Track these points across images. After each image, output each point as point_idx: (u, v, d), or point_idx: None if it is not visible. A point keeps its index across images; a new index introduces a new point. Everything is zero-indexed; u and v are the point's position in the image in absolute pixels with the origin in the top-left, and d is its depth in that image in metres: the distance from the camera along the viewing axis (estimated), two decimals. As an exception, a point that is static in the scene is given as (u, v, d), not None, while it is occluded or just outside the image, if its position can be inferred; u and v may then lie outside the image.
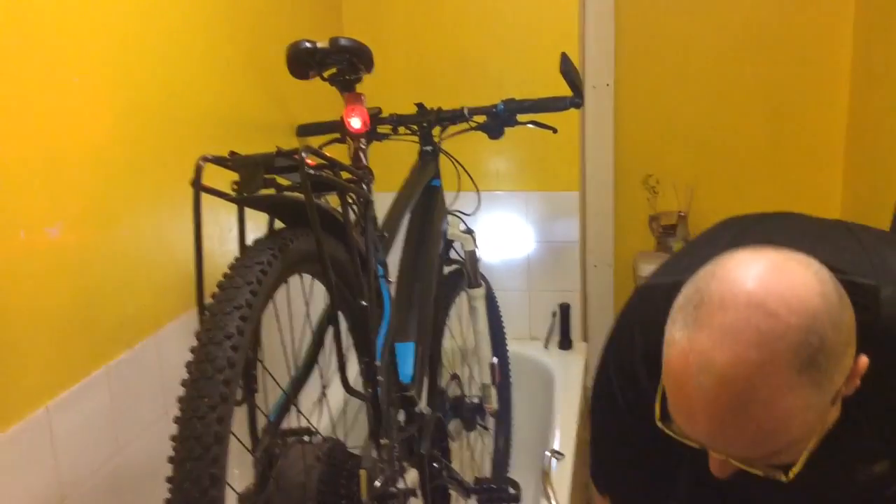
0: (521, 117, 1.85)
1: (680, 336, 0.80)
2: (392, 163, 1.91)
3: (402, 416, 1.42)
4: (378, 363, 1.10)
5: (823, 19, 2.50)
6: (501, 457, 2.21)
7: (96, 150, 1.26)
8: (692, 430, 0.82)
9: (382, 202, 1.61)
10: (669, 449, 0.97)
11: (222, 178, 1.01)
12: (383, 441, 1.11)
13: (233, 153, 0.99)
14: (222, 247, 1.63)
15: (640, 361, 1.01)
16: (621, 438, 1.11)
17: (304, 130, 2.03)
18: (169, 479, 0.78)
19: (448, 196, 1.87)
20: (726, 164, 2.71)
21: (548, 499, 1.66)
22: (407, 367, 1.44)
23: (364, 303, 1.09)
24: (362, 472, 1.04)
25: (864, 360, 0.83)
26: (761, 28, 2.55)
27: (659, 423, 0.88)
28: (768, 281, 0.78)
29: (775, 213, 1.14)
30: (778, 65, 2.57)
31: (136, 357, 1.36)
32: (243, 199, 0.99)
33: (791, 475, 0.82)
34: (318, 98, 2.10)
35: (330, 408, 1.16)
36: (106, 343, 1.29)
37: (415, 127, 1.83)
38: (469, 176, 1.90)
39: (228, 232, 1.65)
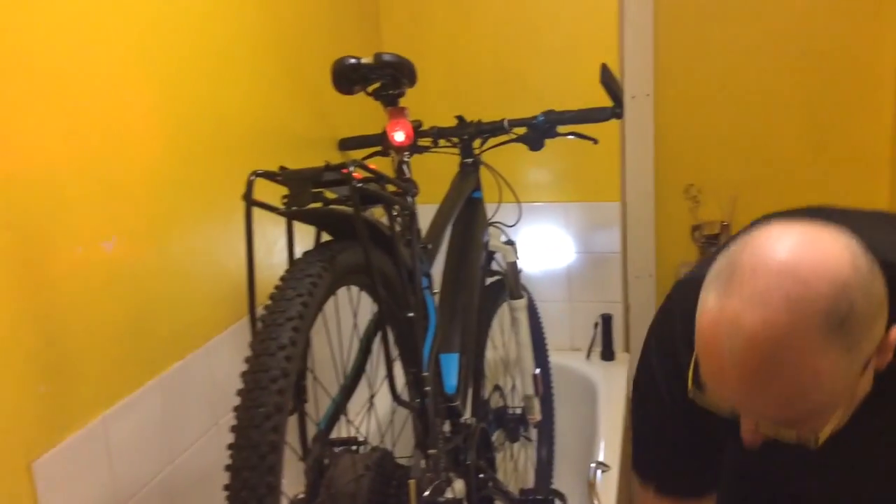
0: (561, 129, 1.86)
1: (712, 303, 0.82)
2: (433, 175, 1.93)
3: (446, 427, 1.43)
4: (425, 374, 1.12)
5: (866, 25, 2.47)
6: (544, 468, 2.21)
7: (149, 166, 1.30)
8: (723, 394, 0.83)
9: (424, 214, 1.62)
10: (711, 434, 0.98)
11: (270, 193, 1.03)
12: (431, 451, 1.12)
13: (282, 168, 1.01)
14: (268, 259, 1.66)
15: (681, 348, 1.02)
16: (663, 425, 1.12)
17: (346, 144, 2.06)
18: (226, 487, 0.80)
19: (489, 208, 1.88)
20: (769, 172, 2.68)
21: (593, 510, 1.65)
22: (451, 378, 1.45)
23: (411, 314, 1.11)
24: (411, 482, 1.05)
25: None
26: (802, 36, 2.53)
27: (691, 393, 0.90)
28: (799, 250, 0.79)
29: (814, 207, 1.14)
30: (820, 72, 2.54)
31: (187, 368, 1.38)
32: (293, 212, 1.01)
33: (819, 442, 0.83)
34: (358, 112, 2.13)
35: (378, 417, 1.17)
36: (159, 354, 1.32)
37: (455, 139, 1.84)
38: (510, 187, 1.91)
39: (274, 245, 1.68)
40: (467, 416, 1.48)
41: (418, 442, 1.13)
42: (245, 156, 1.60)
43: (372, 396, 1.17)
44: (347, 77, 1.36)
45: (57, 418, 1.08)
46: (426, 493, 1.07)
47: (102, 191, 1.19)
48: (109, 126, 1.20)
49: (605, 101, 1.79)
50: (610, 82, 1.77)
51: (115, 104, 1.22)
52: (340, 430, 1.13)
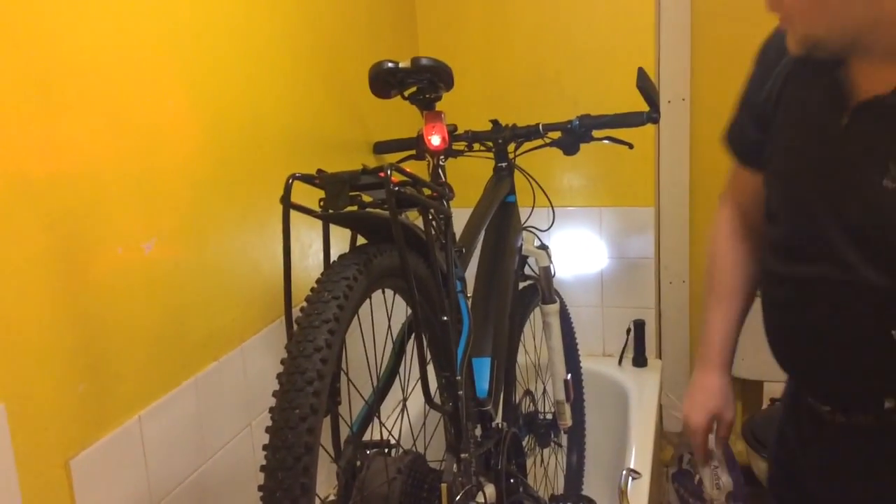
0: (596, 133, 1.85)
1: None
2: (467, 179, 1.93)
3: (478, 431, 1.43)
4: (458, 377, 1.12)
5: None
6: (574, 474, 2.19)
7: (187, 168, 1.31)
8: None
9: (458, 218, 1.62)
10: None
11: (305, 195, 1.04)
12: (463, 455, 1.12)
13: (320, 171, 1.01)
14: (303, 262, 1.67)
15: None
16: (748, 90, 1.30)
17: (381, 148, 2.07)
18: (260, 488, 0.81)
19: (522, 212, 1.88)
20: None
21: (624, 518, 1.64)
22: (483, 382, 1.45)
23: (445, 318, 1.11)
24: (443, 486, 1.05)
25: None
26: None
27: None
28: None
29: None
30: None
31: (222, 368, 1.40)
32: (329, 215, 1.01)
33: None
34: (393, 116, 2.14)
35: (410, 420, 1.17)
36: (195, 355, 1.33)
37: (489, 143, 1.84)
38: (543, 192, 1.90)
39: (309, 247, 1.69)
40: (498, 420, 1.48)
41: (450, 446, 1.13)
42: (281, 158, 1.61)
43: (404, 400, 1.17)
44: (385, 81, 1.36)
45: (94, 417, 1.10)
46: (458, 497, 1.07)
47: (142, 192, 1.20)
48: (149, 128, 1.22)
49: (641, 106, 1.78)
50: (646, 86, 1.76)
51: (154, 107, 1.23)
52: (372, 433, 1.13)
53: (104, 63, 1.12)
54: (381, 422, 1.11)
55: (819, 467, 1.22)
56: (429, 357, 1.20)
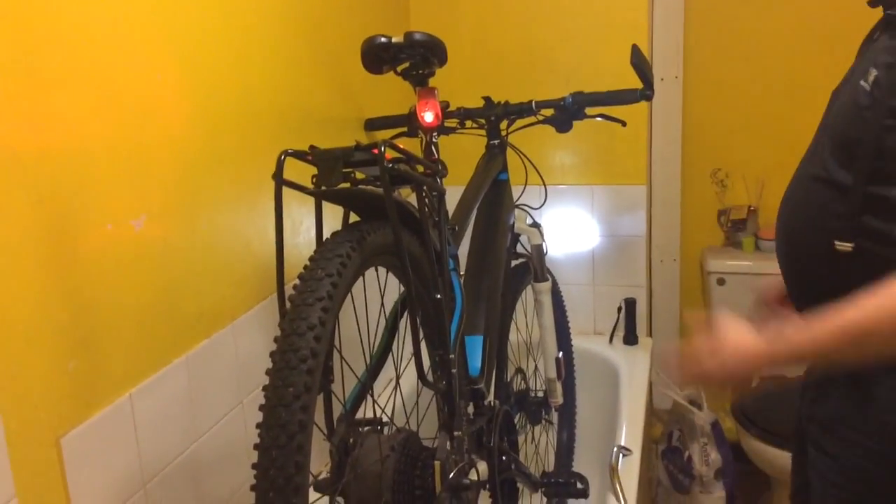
0: (589, 110, 1.83)
1: None
2: (459, 156, 1.91)
3: (470, 409, 1.43)
4: (452, 356, 1.11)
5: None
6: (565, 451, 2.20)
7: (177, 145, 1.30)
8: None
9: (451, 195, 1.61)
10: None
11: (298, 172, 1.02)
12: (456, 433, 1.12)
13: (313, 147, 1.00)
14: (294, 239, 1.66)
15: None
16: None
17: (372, 125, 2.05)
18: (254, 466, 0.80)
19: (515, 190, 1.87)
20: (797, 157, 2.62)
21: (616, 494, 1.65)
22: (475, 361, 1.44)
23: (438, 296, 1.10)
24: (437, 464, 1.05)
25: None
26: (833, 18, 2.48)
27: None
28: None
29: None
30: (851, 55, 2.49)
31: (213, 346, 1.39)
32: (322, 192, 1.00)
33: None
34: (385, 93, 2.12)
35: (403, 398, 1.17)
36: (186, 332, 1.33)
37: (482, 121, 1.83)
38: (536, 170, 1.89)
39: (300, 224, 1.68)
40: (490, 398, 1.48)
41: (443, 424, 1.13)
42: (272, 135, 1.59)
43: (398, 377, 1.17)
44: (377, 56, 1.34)
45: (85, 395, 1.09)
46: (451, 474, 1.07)
47: (132, 169, 1.19)
48: (138, 104, 1.20)
49: (634, 83, 1.77)
50: (640, 64, 1.75)
51: (144, 82, 1.21)
52: (365, 411, 1.13)
53: (92, 38, 1.10)
54: (374, 399, 1.11)
55: (801, 387, 1.27)
56: (422, 335, 1.20)
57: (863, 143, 1.06)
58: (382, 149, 0.95)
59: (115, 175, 1.15)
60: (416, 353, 1.00)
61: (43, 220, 1.01)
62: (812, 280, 1.14)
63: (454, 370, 1.11)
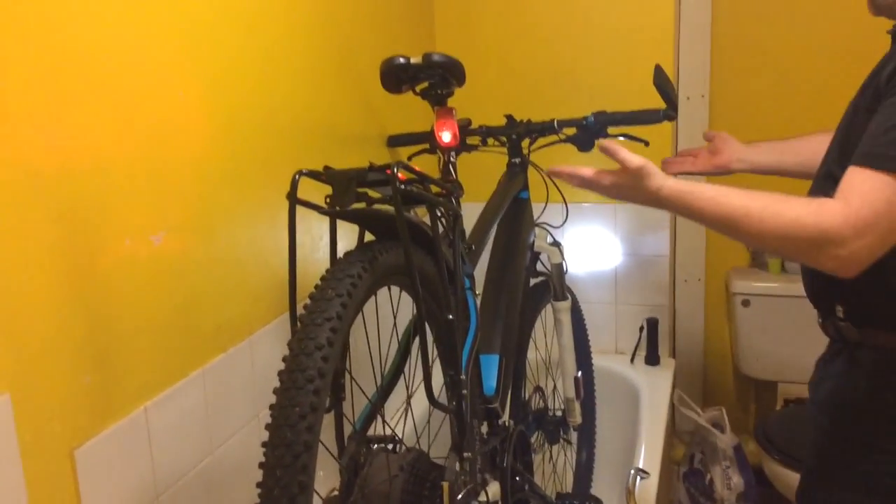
0: (612, 130, 1.83)
1: None
2: (481, 173, 1.92)
3: (484, 429, 1.43)
4: (463, 376, 1.11)
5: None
6: (583, 471, 2.19)
7: (197, 161, 1.31)
8: None
9: (471, 213, 1.62)
10: None
11: (317, 191, 1.04)
12: (466, 454, 1.12)
13: (327, 167, 1.01)
14: (313, 255, 1.67)
15: None
16: None
17: (395, 141, 2.06)
18: (259, 485, 0.81)
19: (536, 207, 1.87)
20: (826, 178, 2.61)
21: (631, 518, 1.64)
22: (491, 380, 1.44)
23: (451, 316, 1.10)
24: (445, 485, 1.04)
25: None
26: (861, 37, 2.45)
27: None
28: None
29: None
30: (884, 76, 2.47)
31: (230, 360, 1.40)
32: (336, 212, 1.01)
33: None
34: (408, 109, 2.13)
35: (414, 418, 1.17)
36: (202, 347, 1.34)
37: (504, 139, 1.83)
38: (557, 188, 1.89)
39: (319, 241, 1.69)
40: (505, 418, 1.47)
41: (453, 444, 1.13)
42: (293, 152, 1.61)
43: (409, 398, 1.17)
44: (396, 76, 1.36)
45: (100, 407, 1.10)
46: (459, 495, 1.07)
47: (152, 185, 1.20)
48: (158, 121, 1.22)
49: (660, 102, 1.76)
50: (663, 84, 1.74)
51: (165, 101, 1.23)
52: (375, 430, 1.13)
53: (114, 55, 1.12)
54: (384, 419, 1.11)
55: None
56: (435, 354, 1.20)
57: (852, 141, 1.14)
58: (395, 170, 0.96)
59: (134, 191, 1.17)
60: (426, 374, 1.00)
61: (62, 236, 1.03)
62: (820, 272, 1.21)
63: (465, 391, 1.11)
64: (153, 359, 1.22)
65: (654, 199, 1.27)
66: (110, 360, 1.12)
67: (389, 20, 2.12)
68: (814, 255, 1.08)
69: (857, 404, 1.24)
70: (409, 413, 1.14)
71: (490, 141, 1.86)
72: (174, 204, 1.26)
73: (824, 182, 1.25)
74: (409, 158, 2.11)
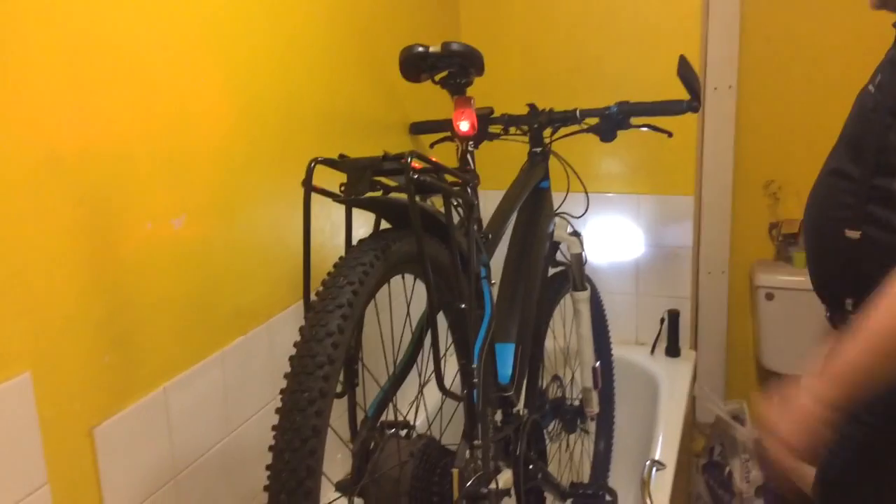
0: (635, 120, 1.82)
1: None
2: (503, 161, 1.92)
3: (499, 417, 1.44)
4: (475, 366, 1.12)
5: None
6: (601, 461, 2.19)
7: (219, 147, 1.33)
8: None
9: (492, 201, 1.62)
10: None
11: (336, 178, 1.05)
12: (476, 442, 1.13)
13: (342, 156, 1.02)
14: (333, 240, 1.68)
15: None
16: None
17: (417, 128, 2.07)
18: (268, 467, 0.82)
19: (557, 197, 1.86)
20: (855, 171, 2.58)
21: (645, 509, 1.64)
22: (506, 369, 1.45)
23: (463, 305, 1.11)
24: (455, 471, 1.06)
25: None
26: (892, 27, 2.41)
27: None
28: None
29: None
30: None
31: (248, 343, 1.42)
32: (352, 199, 1.02)
33: None
34: (431, 96, 2.13)
35: (426, 405, 1.18)
36: (222, 329, 1.36)
37: (525, 128, 1.83)
38: (579, 179, 1.88)
39: (339, 227, 1.70)
40: (520, 406, 1.48)
41: (465, 432, 1.14)
42: (314, 138, 1.62)
43: (422, 386, 1.18)
44: (415, 65, 1.36)
45: (119, 387, 1.13)
46: (469, 482, 1.08)
47: (173, 170, 1.22)
48: (180, 106, 1.23)
49: (686, 93, 1.75)
50: (687, 75, 1.73)
51: (186, 84, 1.25)
52: (387, 417, 1.14)
53: (136, 43, 1.14)
54: (395, 407, 1.12)
55: None
56: (450, 343, 1.21)
57: (868, 141, 1.18)
58: (409, 159, 0.96)
59: (156, 176, 1.19)
60: (436, 362, 1.01)
61: (84, 219, 1.05)
62: (828, 265, 1.25)
63: (476, 380, 1.12)
64: (172, 340, 1.24)
65: (828, 406, 1.08)
66: (130, 340, 1.15)
67: (413, 8, 2.12)
68: None
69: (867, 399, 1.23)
70: (423, 401, 1.15)
71: (512, 130, 1.85)
72: (195, 188, 1.28)
73: (828, 179, 1.28)
74: (432, 146, 2.12)
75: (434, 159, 1.07)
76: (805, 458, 1.11)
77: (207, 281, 1.32)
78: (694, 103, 1.75)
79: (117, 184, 1.11)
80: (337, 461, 1.40)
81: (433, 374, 1.04)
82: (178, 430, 1.25)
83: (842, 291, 1.25)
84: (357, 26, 1.80)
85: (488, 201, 1.63)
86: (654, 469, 1.77)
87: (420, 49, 1.34)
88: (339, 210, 1.69)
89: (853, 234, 1.20)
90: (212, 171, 1.32)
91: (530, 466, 1.43)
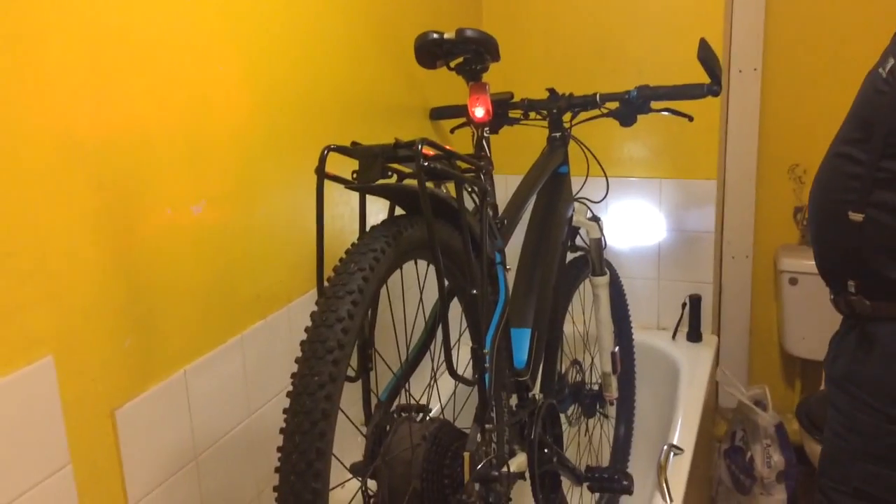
0: (655, 104, 1.81)
1: None
2: (524, 145, 1.92)
3: (514, 401, 1.45)
4: (486, 350, 1.13)
5: None
6: (622, 446, 2.20)
7: (238, 133, 1.35)
8: None
9: (512, 185, 1.63)
10: None
11: (352, 165, 1.06)
12: (488, 426, 1.14)
13: (354, 143, 1.03)
14: (351, 226, 1.70)
15: None
16: None
17: (437, 114, 2.07)
18: (279, 449, 0.84)
19: (576, 182, 1.86)
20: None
21: (662, 493, 1.64)
22: (522, 353, 1.46)
23: (474, 291, 1.12)
24: (466, 454, 1.07)
25: None
26: (929, 10, 2.37)
27: None
28: None
29: None
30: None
31: (268, 327, 1.45)
32: (365, 186, 1.03)
33: None
34: (451, 81, 2.13)
35: (438, 389, 1.20)
36: (241, 313, 1.38)
37: (545, 112, 1.83)
38: (599, 164, 1.88)
39: (357, 213, 1.72)
40: (536, 391, 1.49)
41: (477, 416, 1.15)
42: (333, 123, 1.63)
43: (434, 370, 1.19)
44: (430, 52, 1.37)
45: (141, 370, 1.16)
46: (479, 465, 1.10)
47: (192, 156, 1.24)
48: (200, 92, 1.25)
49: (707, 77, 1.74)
50: (708, 58, 1.71)
51: (206, 71, 1.27)
52: (400, 401, 1.16)
53: (156, 30, 1.16)
54: (408, 392, 1.14)
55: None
56: (465, 327, 1.23)
57: (877, 125, 1.20)
58: (419, 146, 0.97)
59: (175, 162, 1.21)
60: (447, 347, 1.03)
61: (105, 204, 1.08)
62: (831, 246, 1.29)
63: (487, 364, 1.13)
64: (193, 324, 1.26)
65: None
66: (150, 325, 1.17)
67: (435, -8, 2.12)
68: None
69: (872, 378, 1.26)
70: (436, 386, 1.17)
71: (532, 115, 1.85)
72: (215, 175, 1.30)
73: (835, 160, 1.31)
74: (452, 131, 2.12)
75: (448, 147, 1.08)
76: None
77: (227, 266, 1.34)
78: (714, 87, 1.74)
79: (137, 170, 1.14)
80: (357, 444, 1.42)
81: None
82: (198, 412, 1.27)
83: (844, 273, 1.29)
84: (377, 11, 1.80)
85: (509, 186, 1.64)
86: (672, 454, 1.78)
87: (435, 35, 1.34)
88: (358, 197, 1.71)
89: (856, 217, 1.22)
90: (231, 157, 1.34)
91: (545, 450, 1.44)
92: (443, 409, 1.22)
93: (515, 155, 2.03)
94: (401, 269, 1.07)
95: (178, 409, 1.23)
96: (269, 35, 1.42)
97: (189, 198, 1.25)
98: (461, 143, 2.16)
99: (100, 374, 1.08)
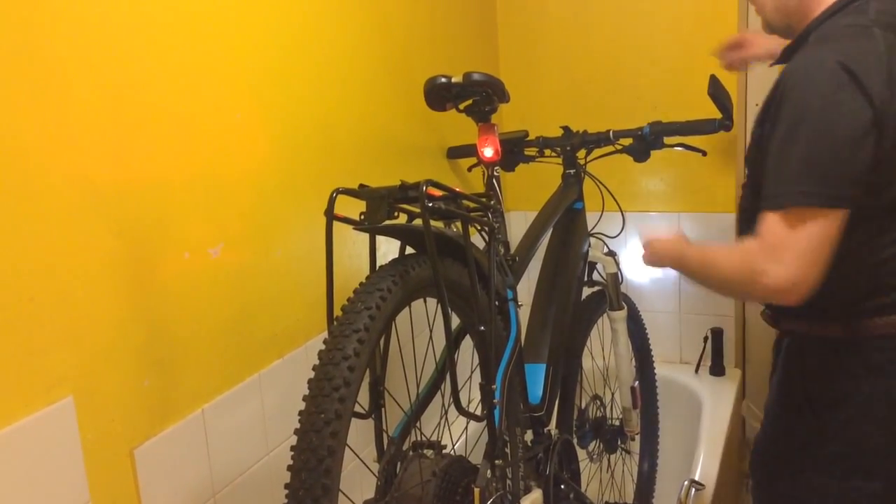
0: (668, 140, 1.83)
1: None
2: (540, 182, 1.94)
3: (529, 437, 1.46)
4: (496, 386, 1.15)
5: None
6: (645, 482, 2.18)
7: (254, 177, 1.39)
8: None
9: (528, 222, 1.65)
10: None
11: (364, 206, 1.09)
12: (497, 462, 1.15)
13: (362, 185, 1.07)
14: (367, 266, 1.72)
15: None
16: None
17: (454, 153, 2.11)
18: (286, 486, 0.86)
19: (592, 217, 1.88)
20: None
21: (683, 529, 1.63)
22: (536, 389, 1.47)
23: (482, 328, 1.14)
24: (476, 490, 1.08)
25: None
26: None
27: None
28: None
29: None
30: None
31: (286, 366, 1.47)
32: (375, 227, 1.06)
33: None
34: (467, 121, 2.17)
35: (450, 426, 1.21)
36: (259, 353, 1.41)
37: (559, 149, 1.86)
38: (613, 198, 1.90)
39: (377, 249, 1.74)
40: (552, 426, 1.50)
41: (487, 452, 1.16)
42: (349, 165, 1.67)
43: (445, 408, 1.21)
44: (439, 95, 1.41)
45: (159, 409, 1.18)
46: (489, 501, 1.10)
47: (210, 201, 1.28)
48: (217, 142, 1.30)
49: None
50: (718, 94, 1.74)
51: (223, 118, 1.31)
52: (412, 438, 1.17)
53: (175, 82, 1.20)
54: (419, 430, 1.15)
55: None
56: (476, 363, 1.24)
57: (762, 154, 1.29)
58: (423, 187, 1.00)
59: (193, 207, 1.25)
60: (453, 383, 1.04)
61: (124, 249, 1.12)
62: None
63: (495, 400, 1.14)
64: (211, 364, 1.29)
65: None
66: (169, 365, 1.21)
67: (449, 35, 2.17)
68: (749, 289, 1.21)
69: (791, 390, 1.36)
70: (447, 422, 1.18)
71: (547, 152, 1.88)
72: (232, 218, 1.34)
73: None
74: (469, 170, 2.16)
75: (457, 189, 1.10)
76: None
77: (244, 306, 1.37)
78: (726, 122, 1.76)
79: (156, 215, 1.18)
80: (372, 481, 1.44)
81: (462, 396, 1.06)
82: (216, 450, 1.30)
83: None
84: (393, 54, 1.85)
85: (527, 222, 1.66)
86: (693, 489, 1.77)
87: (443, 79, 1.38)
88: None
89: None
90: (248, 200, 1.37)
91: (561, 486, 1.44)
92: (454, 446, 1.23)
93: (531, 192, 2.05)
94: (409, 307, 1.09)
95: (196, 448, 1.26)
96: (285, 81, 1.46)
97: (207, 241, 1.28)
98: (479, 181, 2.19)
99: (119, 413, 1.11)
